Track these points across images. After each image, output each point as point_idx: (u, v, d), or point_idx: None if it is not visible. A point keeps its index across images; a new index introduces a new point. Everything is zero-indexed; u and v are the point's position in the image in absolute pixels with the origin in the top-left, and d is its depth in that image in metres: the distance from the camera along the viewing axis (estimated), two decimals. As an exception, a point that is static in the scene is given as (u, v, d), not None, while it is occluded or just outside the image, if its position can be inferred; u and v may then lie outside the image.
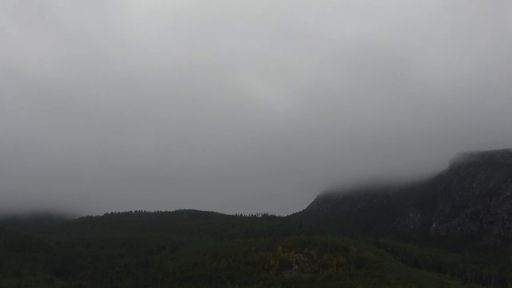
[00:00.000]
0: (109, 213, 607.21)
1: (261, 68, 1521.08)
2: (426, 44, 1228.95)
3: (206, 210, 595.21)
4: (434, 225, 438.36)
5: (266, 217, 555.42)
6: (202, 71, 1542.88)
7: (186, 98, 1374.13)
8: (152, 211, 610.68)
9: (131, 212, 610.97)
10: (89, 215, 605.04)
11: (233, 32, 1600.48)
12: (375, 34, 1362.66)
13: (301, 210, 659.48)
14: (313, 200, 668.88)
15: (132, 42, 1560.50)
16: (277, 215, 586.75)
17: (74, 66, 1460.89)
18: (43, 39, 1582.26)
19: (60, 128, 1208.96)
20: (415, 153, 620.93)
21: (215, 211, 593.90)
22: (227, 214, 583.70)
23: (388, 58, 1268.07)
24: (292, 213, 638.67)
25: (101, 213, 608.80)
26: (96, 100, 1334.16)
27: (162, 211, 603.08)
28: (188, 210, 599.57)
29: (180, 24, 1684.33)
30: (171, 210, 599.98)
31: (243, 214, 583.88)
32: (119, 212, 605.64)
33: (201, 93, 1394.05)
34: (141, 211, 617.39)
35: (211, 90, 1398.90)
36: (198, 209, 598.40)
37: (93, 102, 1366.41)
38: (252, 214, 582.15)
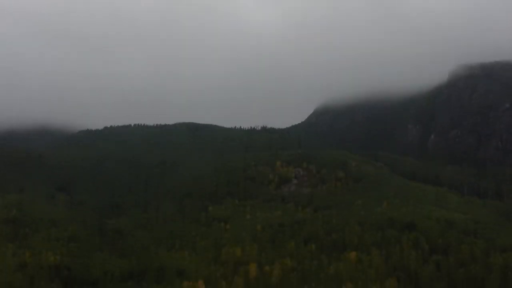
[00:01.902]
0: (108, 126, 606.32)
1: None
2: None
3: (205, 123, 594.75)
4: (432, 138, 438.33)
5: (265, 129, 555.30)
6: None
7: (178, 22, 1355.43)
8: (151, 124, 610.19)
9: (130, 125, 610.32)
10: (88, 129, 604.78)
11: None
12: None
13: (299, 122, 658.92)
14: (311, 112, 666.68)
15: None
16: (276, 127, 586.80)
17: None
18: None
19: (56, 53, 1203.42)
20: (414, 65, 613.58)
21: (214, 124, 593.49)
22: (226, 126, 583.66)
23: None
24: (291, 125, 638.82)
25: (100, 127, 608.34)
26: (88, 25, 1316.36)
27: (161, 124, 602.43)
28: (187, 123, 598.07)
29: None
30: (170, 123, 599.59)
31: (242, 127, 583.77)
32: (118, 126, 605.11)
33: (196, 19, 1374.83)
34: (140, 124, 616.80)
35: (205, 13, 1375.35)
36: (197, 122, 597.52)
37: (85, 27, 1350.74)
38: (251, 127, 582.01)
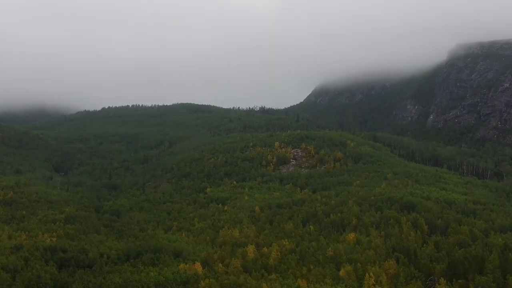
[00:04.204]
0: (106, 107, 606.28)
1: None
2: None
3: (204, 104, 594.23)
4: (431, 118, 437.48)
5: (263, 110, 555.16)
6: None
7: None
8: (150, 105, 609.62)
9: (128, 106, 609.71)
10: (86, 110, 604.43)
11: None
12: None
13: (298, 103, 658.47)
14: (310, 92, 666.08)
15: None
16: (274, 108, 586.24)
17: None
18: None
19: (52, 34, 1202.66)
20: (413, 45, 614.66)
21: (212, 105, 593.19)
22: (225, 107, 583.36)
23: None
24: (289, 106, 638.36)
25: (98, 108, 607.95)
26: (82, 2, 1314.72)
27: (160, 105, 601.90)
28: (185, 104, 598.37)
29: None
30: (168, 104, 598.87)
31: (240, 108, 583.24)
32: (116, 107, 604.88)
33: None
34: (138, 105, 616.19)
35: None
36: (195, 103, 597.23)
37: (79, 4, 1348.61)
38: (249, 108, 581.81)
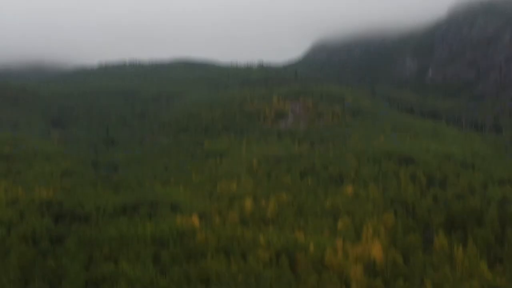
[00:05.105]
0: (103, 63, 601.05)
1: None
2: None
3: (202, 60, 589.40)
4: (430, 72, 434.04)
5: (261, 65, 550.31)
6: None
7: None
8: (147, 60, 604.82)
9: (125, 62, 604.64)
10: (83, 66, 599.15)
11: None
12: None
13: (296, 58, 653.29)
14: (308, 48, 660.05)
15: None
16: (273, 63, 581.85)
17: None
18: None
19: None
20: (413, 0, 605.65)
21: (210, 60, 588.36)
22: (223, 63, 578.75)
23: None
24: (287, 61, 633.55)
25: (95, 63, 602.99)
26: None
27: (157, 60, 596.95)
28: (183, 59, 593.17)
29: None
30: (165, 60, 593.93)
31: (238, 63, 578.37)
32: (113, 62, 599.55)
33: None
34: (136, 61, 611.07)
35: None
36: (193, 59, 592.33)
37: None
38: (247, 63, 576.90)
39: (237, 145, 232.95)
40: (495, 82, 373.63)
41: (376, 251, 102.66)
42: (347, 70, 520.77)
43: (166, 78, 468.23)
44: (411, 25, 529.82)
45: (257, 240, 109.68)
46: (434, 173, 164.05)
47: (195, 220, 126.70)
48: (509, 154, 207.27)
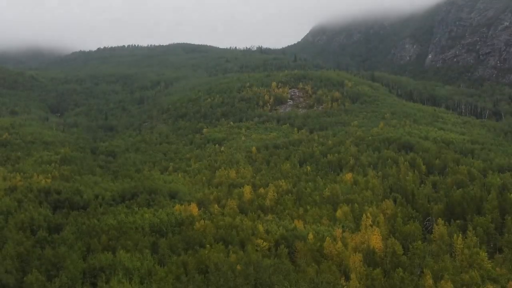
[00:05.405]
0: (102, 47, 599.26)
1: None
2: None
3: (200, 44, 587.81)
4: (430, 57, 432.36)
5: (260, 50, 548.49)
6: None
7: None
8: (145, 45, 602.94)
9: (123, 46, 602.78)
10: (82, 50, 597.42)
11: None
12: None
13: (295, 42, 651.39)
14: (308, 32, 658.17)
15: None
16: (271, 47, 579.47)
17: None
18: None
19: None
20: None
21: (209, 45, 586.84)
22: (222, 47, 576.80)
23: None
24: (286, 46, 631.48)
25: (93, 48, 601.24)
26: None
27: (155, 45, 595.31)
28: (182, 44, 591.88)
29: None
30: (164, 44, 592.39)
31: (237, 48, 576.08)
32: (111, 47, 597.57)
33: None
34: (134, 45, 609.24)
35: None
36: (192, 43, 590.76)
37: None
38: (246, 47, 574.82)
39: (236, 132, 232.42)
40: (495, 67, 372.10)
41: (376, 240, 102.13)
42: (346, 54, 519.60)
43: (165, 63, 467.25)
44: (410, 9, 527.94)
45: (256, 229, 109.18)
46: (433, 160, 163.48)
47: (194, 208, 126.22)
48: (509, 140, 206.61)
